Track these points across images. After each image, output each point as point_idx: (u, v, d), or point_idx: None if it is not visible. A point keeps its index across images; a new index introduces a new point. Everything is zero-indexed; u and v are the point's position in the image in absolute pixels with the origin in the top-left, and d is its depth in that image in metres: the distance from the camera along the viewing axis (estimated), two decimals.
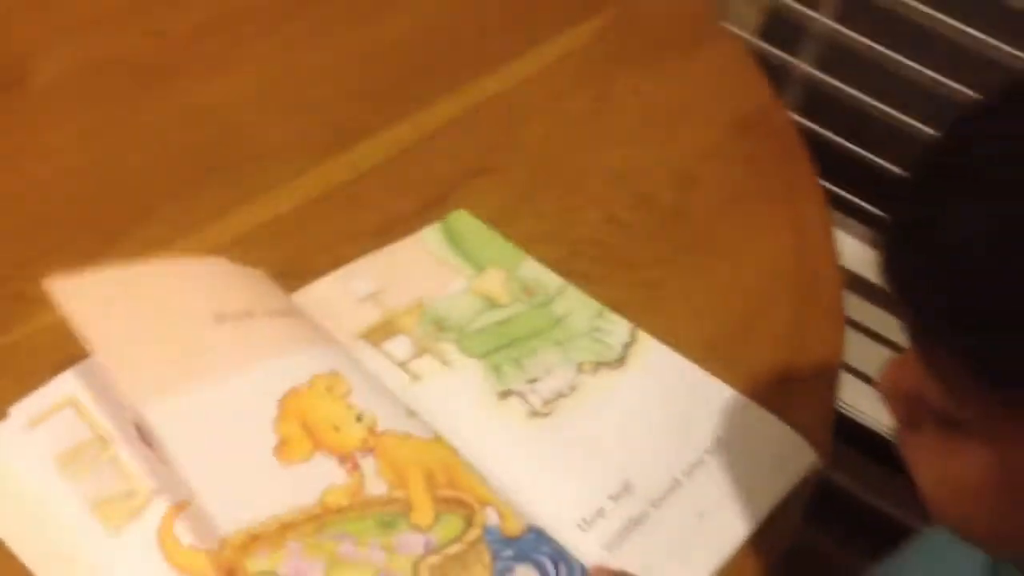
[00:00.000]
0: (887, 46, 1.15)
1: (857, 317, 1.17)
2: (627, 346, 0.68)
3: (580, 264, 0.72)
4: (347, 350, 0.63)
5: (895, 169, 1.15)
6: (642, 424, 0.64)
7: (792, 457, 0.63)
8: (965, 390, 0.46)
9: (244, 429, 0.56)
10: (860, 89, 1.19)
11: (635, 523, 0.59)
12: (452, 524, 0.55)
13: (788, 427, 0.64)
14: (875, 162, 1.19)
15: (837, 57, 1.20)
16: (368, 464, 0.56)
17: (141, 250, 0.67)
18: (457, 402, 0.63)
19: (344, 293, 0.67)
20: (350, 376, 0.60)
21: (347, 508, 0.55)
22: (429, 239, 0.72)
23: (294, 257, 0.69)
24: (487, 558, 0.54)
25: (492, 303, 0.69)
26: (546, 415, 0.63)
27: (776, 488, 0.62)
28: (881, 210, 0.52)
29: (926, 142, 0.48)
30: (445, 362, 0.65)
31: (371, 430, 0.58)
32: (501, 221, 0.74)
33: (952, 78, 1.12)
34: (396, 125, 0.79)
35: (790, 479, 0.62)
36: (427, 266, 0.70)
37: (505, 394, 0.64)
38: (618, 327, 0.68)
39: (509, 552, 0.55)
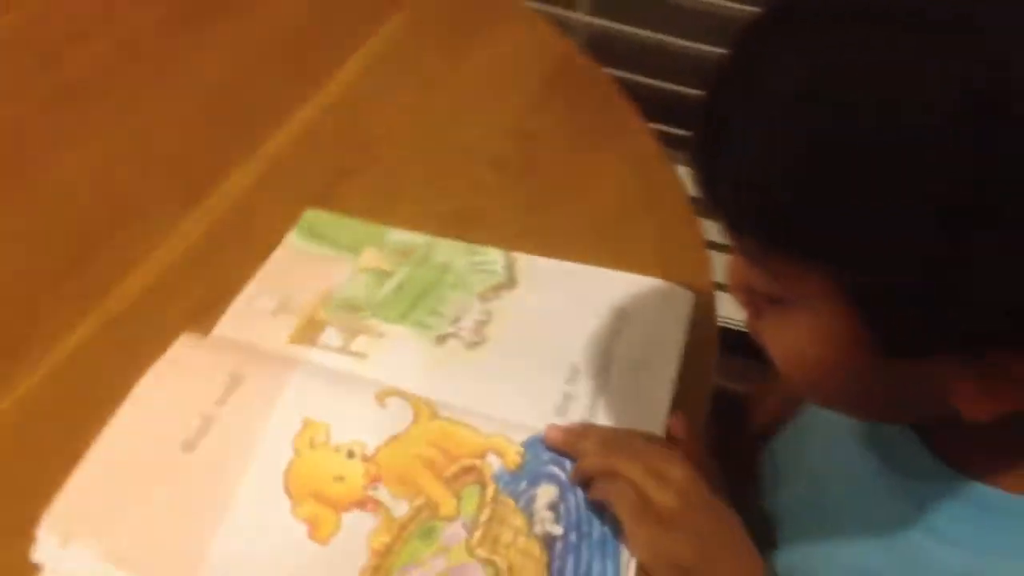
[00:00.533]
0: None
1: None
2: (508, 267, 0.76)
3: (456, 229, 0.79)
4: (291, 362, 0.68)
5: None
6: (558, 319, 0.73)
7: (679, 303, 0.74)
8: (780, 271, 0.53)
9: (274, 539, 0.59)
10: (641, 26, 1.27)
11: (596, 394, 0.68)
12: (471, 496, 0.62)
13: (667, 282, 0.76)
14: (673, 90, 1.28)
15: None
16: (383, 494, 0.61)
17: (59, 327, 0.69)
18: (408, 362, 0.69)
19: (255, 314, 0.71)
20: (317, 410, 0.64)
21: (391, 542, 0.59)
22: (294, 244, 0.76)
23: (202, 297, 0.72)
24: (511, 503, 0.61)
25: (383, 274, 0.75)
26: (481, 342, 0.71)
27: (677, 331, 0.73)
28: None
29: (717, 61, 0.54)
30: (378, 335, 0.71)
31: (366, 458, 0.63)
32: (378, 212, 0.79)
33: None
34: (261, 146, 0.84)
35: (683, 320, 0.74)
36: (309, 265, 0.75)
37: (441, 339, 0.71)
38: (493, 254, 0.77)
39: (523, 483, 0.62)
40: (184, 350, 0.67)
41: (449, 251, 0.77)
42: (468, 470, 0.62)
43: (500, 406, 0.66)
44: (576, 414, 0.67)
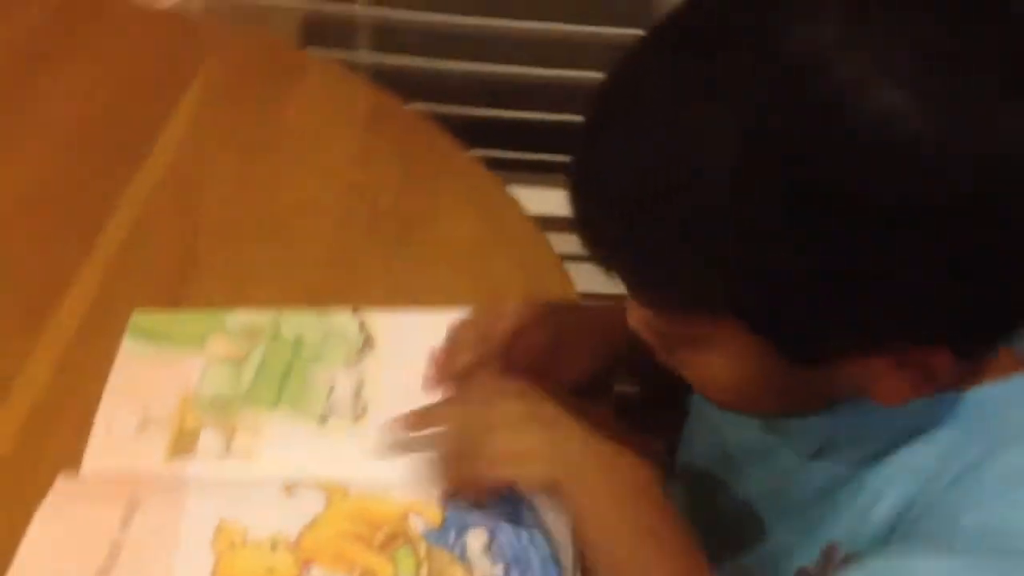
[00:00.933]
0: None
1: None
2: (362, 328, 0.75)
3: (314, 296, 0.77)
4: (179, 479, 0.65)
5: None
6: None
7: None
8: (679, 318, 0.55)
9: None
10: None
11: None
12: (406, 557, 0.61)
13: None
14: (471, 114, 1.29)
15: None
16: (319, 574, 0.60)
17: None
18: (297, 453, 0.67)
19: (121, 438, 0.68)
20: (227, 512, 0.62)
21: None
22: (132, 351, 0.73)
23: (59, 441, 0.67)
24: (445, 555, 0.61)
25: (237, 361, 0.73)
26: (363, 413, 0.70)
27: None
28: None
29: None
30: (255, 428, 0.68)
31: (291, 547, 0.61)
32: (229, 294, 0.76)
33: None
34: (93, 247, 0.80)
35: None
36: (156, 369, 0.72)
37: (323, 419, 0.69)
38: (341, 318, 0.76)
39: (451, 534, 0.62)
40: (62, 499, 0.63)
41: (296, 324, 0.75)
42: (395, 535, 0.62)
43: (404, 478, 0.65)
44: None
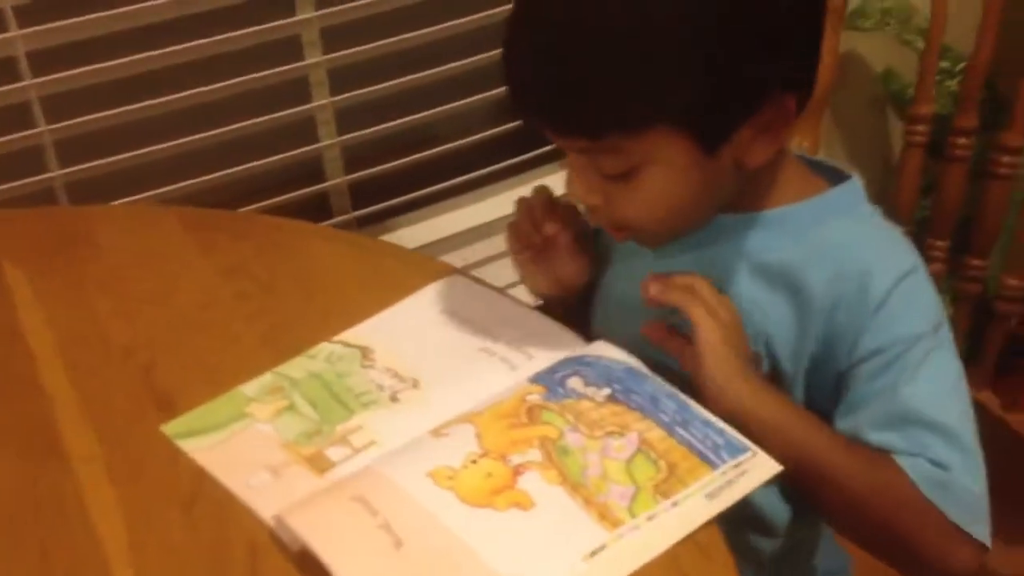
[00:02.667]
0: None
1: None
2: (347, 345, 0.90)
3: None
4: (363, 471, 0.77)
5: None
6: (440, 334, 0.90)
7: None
8: (622, 147, 0.78)
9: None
10: None
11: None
12: (553, 417, 0.78)
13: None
14: None
15: None
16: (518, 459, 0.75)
17: None
18: (402, 423, 0.82)
19: (262, 489, 0.78)
20: (420, 464, 0.75)
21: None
22: (197, 446, 0.81)
23: None
24: (568, 403, 0.79)
25: (288, 409, 0.84)
26: (417, 383, 0.86)
27: None
28: None
29: None
30: (359, 429, 0.82)
31: (479, 456, 0.75)
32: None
33: None
34: None
35: None
36: (232, 445, 0.81)
37: (394, 399, 0.85)
38: (324, 348, 0.90)
39: (559, 391, 0.80)
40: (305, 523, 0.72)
41: (299, 367, 0.87)
42: (531, 410, 0.79)
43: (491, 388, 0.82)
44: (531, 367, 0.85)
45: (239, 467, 0.79)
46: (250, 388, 0.86)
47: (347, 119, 1.47)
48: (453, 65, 1.48)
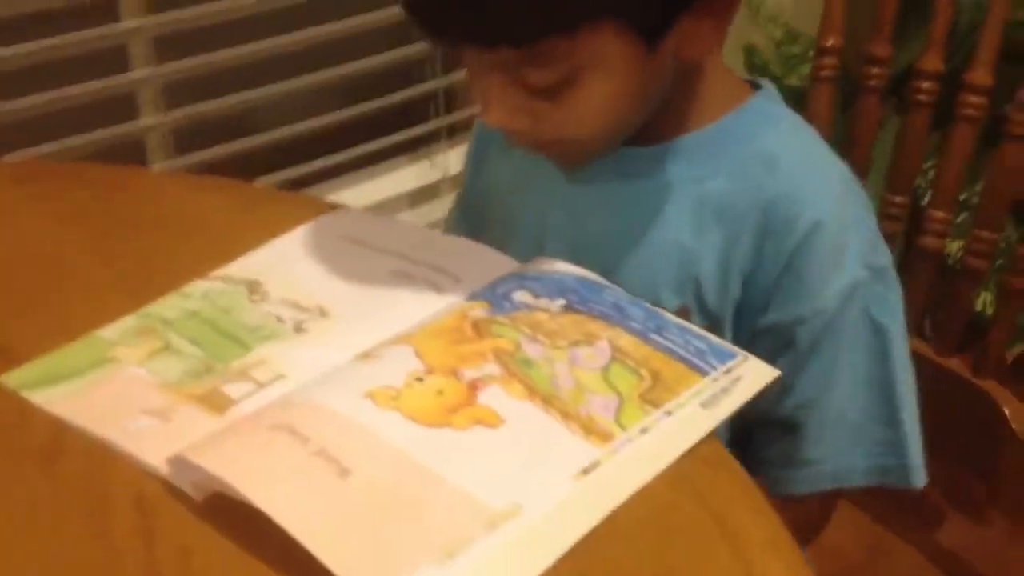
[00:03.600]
0: None
1: None
2: (227, 280, 0.75)
3: None
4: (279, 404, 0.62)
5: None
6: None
7: None
8: (557, 53, 0.67)
9: None
10: None
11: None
12: (506, 330, 0.65)
13: None
14: None
15: None
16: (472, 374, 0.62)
17: None
18: (320, 352, 0.67)
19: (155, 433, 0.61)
20: (358, 385, 0.61)
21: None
22: (52, 398, 0.64)
23: None
24: (520, 315, 0.66)
25: (165, 350, 0.68)
26: (327, 312, 0.71)
27: None
28: None
29: None
30: (261, 362, 0.66)
31: (424, 373, 0.62)
32: None
33: None
34: None
35: None
36: (97, 393, 0.65)
37: (299, 329, 0.70)
38: (201, 284, 0.74)
39: (505, 306, 0.67)
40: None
41: (170, 307, 0.71)
42: (476, 324, 0.66)
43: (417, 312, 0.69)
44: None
45: (110, 415, 0.62)
46: (110, 332, 0.69)
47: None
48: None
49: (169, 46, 1.30)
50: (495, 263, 0.73)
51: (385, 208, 1.52)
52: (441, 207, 1.59)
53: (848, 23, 1.05)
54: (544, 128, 0.71)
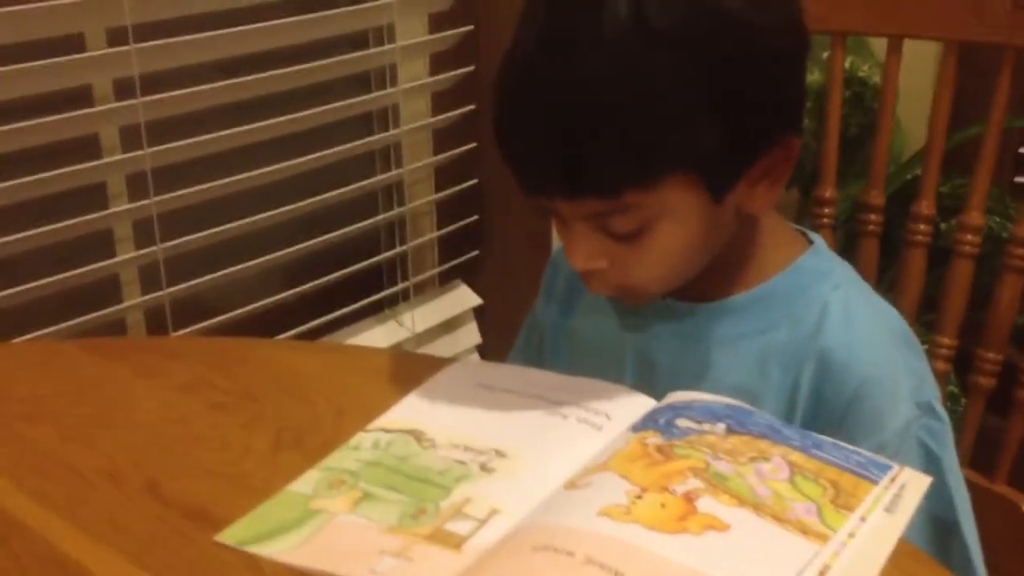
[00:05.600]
0: None
1: None
2: (388, 431, 0.79)
3: None
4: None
5: None
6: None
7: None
8: (634, 203, 0.77)
9: None
10: None
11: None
12: (690, 451, 0.71)
13: None
14: None
15: None
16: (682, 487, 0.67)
17: None
18: (520, 488, 0.72)
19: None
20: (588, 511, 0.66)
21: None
22: (278, 548, 0.67)
23: None
24: (693, 439, 0.72)
25: (365, 497, 0.72)
26: (502, 453, 0.76)
27: None
28: None
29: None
30: (472, 499, 0.71)
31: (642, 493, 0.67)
32: None
33: None
34: None
35: None
36: (320, 542, 0.68)
37: (486, 470, 0.75)
38: (367, 436, 0.78)
39: (674, 433, 0.73)
40: None
41: (348, 457, 0.75)
42: (660, 449, 0.72)
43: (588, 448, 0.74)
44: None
45: (351, 558, 0.65)
46: (302, 486, 0.73)
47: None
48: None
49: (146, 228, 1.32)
50: (632, 398, 0.80)
51: None
52: None
53: None
54: (618, 271, 0.80)
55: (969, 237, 1.07)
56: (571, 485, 0.69)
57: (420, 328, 1.62)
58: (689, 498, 0.66)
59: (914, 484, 0.71)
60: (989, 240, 1.12)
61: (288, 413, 0.82)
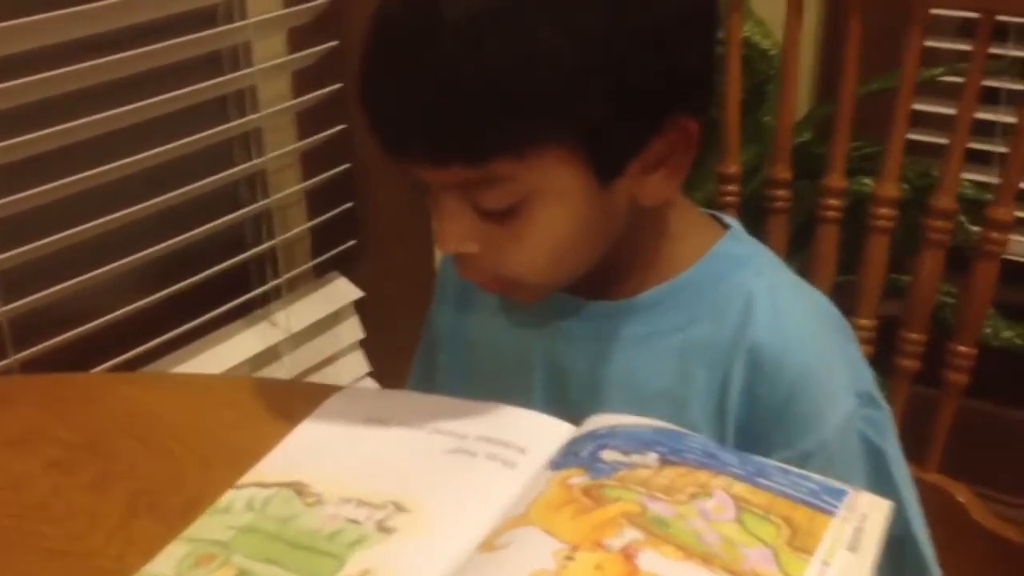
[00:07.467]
0: None
1: None
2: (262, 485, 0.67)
3: None
4: None
5: None
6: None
7: None
8: (506, 174, 0.68)
9: None
10: None
11: None
12: (620, 492, 0.61)
13: None
14: None
15: None
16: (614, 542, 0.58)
17: None
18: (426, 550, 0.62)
19: None
20: None
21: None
22: None
23: None
24: (625, 474, 0.63)
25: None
26: (400, 508, 0.66)
27: None
28: None
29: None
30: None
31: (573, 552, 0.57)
32: None
33: None
34: None
35: None
36: None
37: (384, 530, 0.64)
38: (231, 496, 0.67)
39: (603, 469, 0.63)
40: None
41: (217, 523, 0.63)
42: (588, 490, 0.62)
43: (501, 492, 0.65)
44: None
45: None
46: (161, 566, 0.61)
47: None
48: None
49: None
50: (546, 425, 0.70)
51: (229, 375, 1.43)
52: (283, 369, 1.51)
53: None
54: (492, 256, 0.71)
55: (883, 211, 0.99)
56: (487, 546, 0.59)
57: (296, 327, 1.50)
58: (628, 554, 0.56)
59: (875, 512, 0.62)
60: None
61: (143, 468, 0.70)
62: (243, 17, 1.34)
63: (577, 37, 0.65)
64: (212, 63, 1.35)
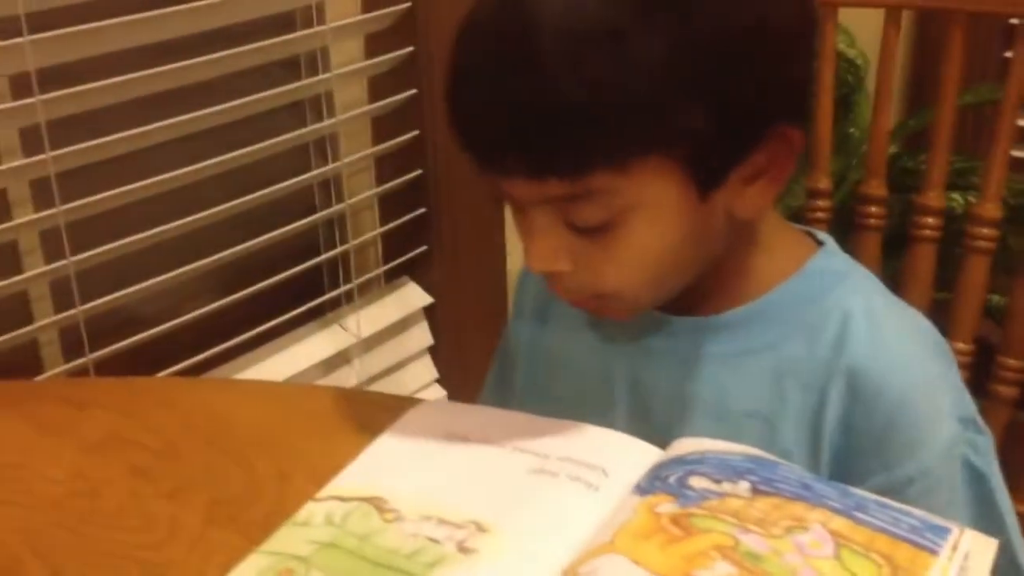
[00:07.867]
0: None
1: None
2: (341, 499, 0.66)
3: None
4: None
5: None
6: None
7: None
8: (605, 188, 0.66)
9: None
10: None
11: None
12: (712, 521, 0.59)
13: None
14: None
15: None
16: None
17: None
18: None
19: None
20: None
21: None
22: None
23: None
24: (713, 504, 0.61)
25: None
26: (481, 527, 0.64)
27: None
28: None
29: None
30: None
31: None
32: None
33: None
34: None
35: None
36: None
37: (464, 550, 0.62)
38: (311, 509, 0.66)
39: (691, 496, 0.62)
40: None
41: (296, 537, 0.62)
42: (676, 520, 0.61)
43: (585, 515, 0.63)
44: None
45: None
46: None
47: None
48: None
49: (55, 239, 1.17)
50: (631, 447, 0.68)
51: (299, 380, 1.43)
52: (352, 373, 1.51)
53: None
54: (587, 274, 0.69)
55: (984, 231, 0.96)
56: (572, 574, 0.56)
57: (366, 332, 1.49)
58: None
59: (977, 548, 0.59)
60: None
61: (221, 478, 0.68)
62: (322, 22, 1.34)
63: (681, 48, 0.63)
64: (290, 67, 1.34)
